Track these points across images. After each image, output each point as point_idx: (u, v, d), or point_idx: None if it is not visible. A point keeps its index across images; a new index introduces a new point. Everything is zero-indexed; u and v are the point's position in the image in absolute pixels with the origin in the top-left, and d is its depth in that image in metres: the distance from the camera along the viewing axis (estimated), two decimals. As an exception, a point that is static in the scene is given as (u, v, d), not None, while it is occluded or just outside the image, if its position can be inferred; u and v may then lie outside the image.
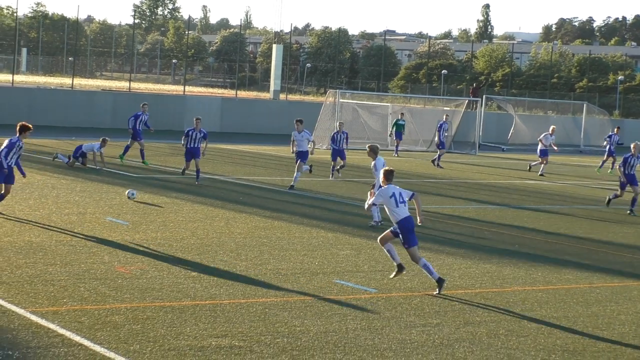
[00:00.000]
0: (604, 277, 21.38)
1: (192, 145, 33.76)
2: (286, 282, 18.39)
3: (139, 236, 22.41)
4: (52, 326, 14.14)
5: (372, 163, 25.14)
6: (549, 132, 50.63)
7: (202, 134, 33.92)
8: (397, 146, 56.98)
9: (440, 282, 18.09)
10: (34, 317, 14.56)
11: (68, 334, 13.82)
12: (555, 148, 50.94)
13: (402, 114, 60.19)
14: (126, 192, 24.96)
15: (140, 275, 18.08)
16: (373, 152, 24.81)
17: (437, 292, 18.02)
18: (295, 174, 33.52)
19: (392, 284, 18.91)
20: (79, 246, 20.56)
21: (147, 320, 14.83)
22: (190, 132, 33.94)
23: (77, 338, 13.63)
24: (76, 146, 37.09)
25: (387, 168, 19.84)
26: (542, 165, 48.80)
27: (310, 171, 36.44)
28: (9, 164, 23.02)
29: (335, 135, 40.63)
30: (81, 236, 21.67)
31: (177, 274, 18.47)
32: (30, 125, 23.70)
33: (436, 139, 52.25)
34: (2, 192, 23.21)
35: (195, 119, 34.59)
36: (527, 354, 14.48)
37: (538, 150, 49.46)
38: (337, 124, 44.13)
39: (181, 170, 35.15)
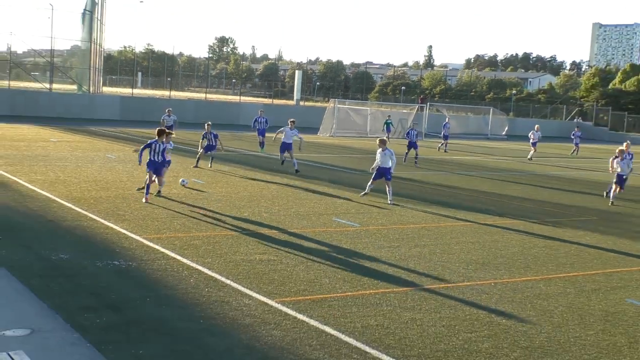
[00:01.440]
0: (501, 218, 21.34)
1: (210, 143, 28.00)
2: (303, 219, 18.40)
3: (211, 190, 22.42)
4: (156, 247, 14.19)
5: (381, 151, 22.68)
6: (535, 129, 47.77)
7: (212, 135, 27.93)
8: (387, 137, 56.11)
9: None
10: (145, 241, 14.61)
11: (166, 251, 13.87)
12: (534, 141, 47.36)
13: (389, 115, 59.80)
14: (180, 181, 22.18)
15: (211, 215, 18.12)
16: (383, 143, 23.01)
17: None
18: (293, 161, 29.21)
19: (370, 221, 18.90)
20: (174, 197, 20.57)
21: (216, 244, 14.86)
22: (205, 135, 28.00)
23: (172, 254, 13.68)
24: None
25: (160, 128, 20.38)
26: (532, 152, 46.29)
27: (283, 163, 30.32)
28: (153, 159, 19.75)
29: (410, 131, 37.60)
30: (176, 190, 21.68)
31: (235, 214, 18.48)
32: (166, 130, 20.62)
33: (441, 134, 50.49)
34: (156, 181, 20.21)
35: (207, 124, 28.33)
36: (454, 264, 14.50)
37: (530, 143, 46.65)
38: (412, 124, 39.89)
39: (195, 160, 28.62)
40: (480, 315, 11.24)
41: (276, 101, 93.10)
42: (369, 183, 23.30)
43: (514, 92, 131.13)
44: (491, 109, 77.93)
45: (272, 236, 16.05)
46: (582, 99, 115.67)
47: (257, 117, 38.53)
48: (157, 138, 20.17)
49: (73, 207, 17.87)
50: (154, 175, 20.12)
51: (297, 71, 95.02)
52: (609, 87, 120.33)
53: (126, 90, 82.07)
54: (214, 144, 28.26)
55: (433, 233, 17.93)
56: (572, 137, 54.97)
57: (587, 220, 22.09)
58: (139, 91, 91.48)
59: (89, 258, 13.00)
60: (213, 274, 12.44)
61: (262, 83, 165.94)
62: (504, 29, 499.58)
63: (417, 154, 36.84)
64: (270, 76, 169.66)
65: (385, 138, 23.79)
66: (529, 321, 11.16)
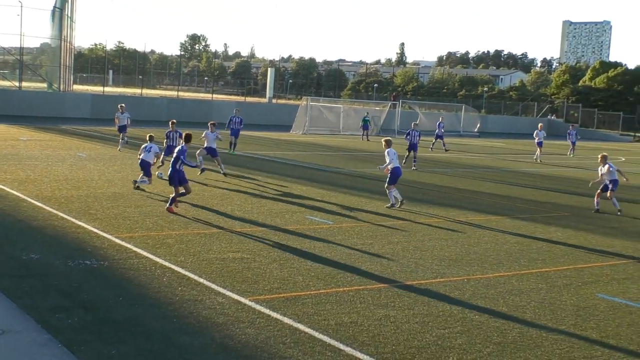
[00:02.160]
0: (474, 215, 21.48)
1: (172, 144, 24.58)
2: (276, 217, 18.37)
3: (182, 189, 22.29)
4: (128, 246, 14.10)
5: (386, 151, 21.33)
6: (538, 129, 46.01)
7: (177, 134, 24.78)
8: (364, 134, 55.32)
9: None
10: (117, 240, 14.51)
11: (139, 250, 13.79)
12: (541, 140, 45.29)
13: (367, 113, 59.84)
14: (157, 174, 20.60)
15: (185, 213, 18.04)
16: (387, 144, 21.36)
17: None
18: (220, 166, 26.27)
19: (343, 218, 18.92)
20: (146, 195, 20.47)
21: (189, 242, 14.80)
22: (169, 134, 25.21)
23: (145, 253, 13.60)
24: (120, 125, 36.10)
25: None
26: (537, 152, 44.69)
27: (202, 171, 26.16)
28: (178, 168, 18.25)
29: (410, 132, 34.59)
30: (148, 190, 21.56)
31: (208, 212, 18.42)
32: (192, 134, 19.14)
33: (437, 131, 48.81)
34: (184, 191, 18.52)
35: (171, 122, 25.64)
36: (427, 261, 14.55)
37: (535, 143, 45.06)
38: (412, 124, 35.64)
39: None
40: (454, 312, 11.30)
41: (249, 99, 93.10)
42: (391, 191, 21.41)
43: (485, 89, 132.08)
44: (463, 106, 78.47)
45: (245, 234, 16.00)
46: (552, 96, 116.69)
47: (232, 116, 36.63)
48: (184, 144, 18.73)
49: (43, 206, 17.71)
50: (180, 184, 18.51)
51: (269, 69, 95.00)
52: (579, 84, 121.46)
53: (97, 89, 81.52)
54: (175, 144, 24.32)
55: (406, 230, 17.97)
56: (568, 135, 53.30)
57: (560, 216, 22.28)
58: (110, 89, 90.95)
59: (60, 258, 12.88)
60: (186, 273, 12.38)
61: (234, 81, 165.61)
62: (476, 27, 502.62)
63: (415, 156, 34.62)
64: (242, 74, 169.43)
65: (389, 139, 21.88)
66: (501, 317, 11.23)
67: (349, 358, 9.10)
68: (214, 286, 11.70)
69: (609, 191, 23.86)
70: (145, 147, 21.52)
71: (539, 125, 47.27)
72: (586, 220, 21.76)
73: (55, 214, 16.87)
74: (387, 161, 21.42)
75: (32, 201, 18.30)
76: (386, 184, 21.64)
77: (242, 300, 11.07)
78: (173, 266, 12.78)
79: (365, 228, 17.80)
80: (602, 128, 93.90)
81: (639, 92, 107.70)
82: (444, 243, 16.62)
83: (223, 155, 33.28)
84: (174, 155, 18.63)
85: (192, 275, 12.24)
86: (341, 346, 9.44)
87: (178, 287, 11.55)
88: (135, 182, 21.70)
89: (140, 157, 21.40)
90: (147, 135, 21.78)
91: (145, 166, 21.38)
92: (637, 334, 10.92)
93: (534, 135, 46.18)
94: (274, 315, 10.45)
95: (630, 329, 11.19)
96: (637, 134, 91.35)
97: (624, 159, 51.82)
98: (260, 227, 16.97)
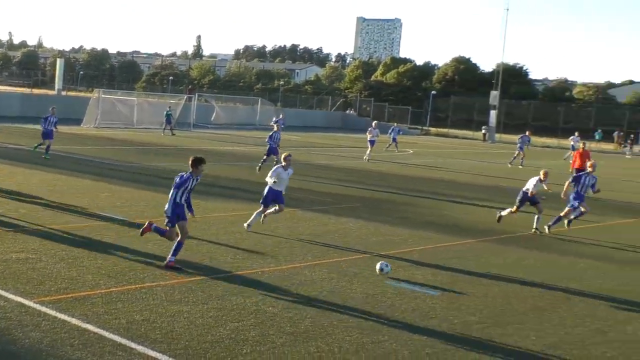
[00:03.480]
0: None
1: None
2: (65, 214, 17.67)
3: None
4: None
5: (284, 170, 17.91)
6: (373, 126, 43.61)
7: None
8: (166, 128, 54.03)
9: None
10: None
11: None
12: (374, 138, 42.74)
13: (169, 107, 58.56)
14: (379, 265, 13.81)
15: (-37, 213, 17.00)
16: (289, 160, 18.05)
17: None
18: None
19: (136, 214, 18.53)
20: None
21: (-33, 243, 13.97)
22: None
23: None
24: None
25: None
26: (368, 150, 42.28)
27: None
28: (178, 201, 13.77)
29: (273, 134, 32.74)
30: None
31: (-11, 211, 17.45)
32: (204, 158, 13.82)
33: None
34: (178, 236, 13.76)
35: None
36: (222, 255, 14.59)
37: (368, 140, 42.34)
38: (395, 124, 30.62)
39: None
40: (248, 305, 11.42)
41: (36, 91, 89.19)
42: (260, 211, 17.92)
43: (281, 83, 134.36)
44: (259, 100, 79.41)
45: (30, 233, 15.29)
46: (346, 90, 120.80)
47: (47, 115, 32.04)
48: (191, 170, 13.70)
49: None
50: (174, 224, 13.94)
51: (58, 59, 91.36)
52: (371, 79, 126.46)
53: None
54: None
55: (200, 224, 17.83)
56: (390, 133, 52.71)
57: (351, 207, 23.08)
58: None
59: None
60: (-37, 276, 11.68)
61: (20, 71, 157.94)
62: (273, 21, 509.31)
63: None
64: (29, 64, 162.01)
65: (290, 154, 18.54)
66: (294, 307, 11.49)
67: (140, 357, 8.96)
68: (-6, 289, 11.12)
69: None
70: None
71: (373, 123, 45.70)
72: (376, 211, 22.70)
73: None
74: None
75: None
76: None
77: (26, 302, 10.60)
78: (-51, 269, 12.00)
79: (157, 223, 17.53)
80: (393, 121, 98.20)
81: (426, 87, 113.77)
82: (238, 236, 16.73)
83: (5, 149, 31.56)
84: (183, 186, 13.70)
85: (-30, 279, 11.56)
86: (133, 345, 9.28)
87: (-46, 291, 10.86)
88: None
89: None
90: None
91: None
92: (421, 318, 11.57)
93: (367, 132, 43.50)
94: (61, 316, 10.09)
95: (415, 312, 11.82)
96: (424, 128, 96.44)
97: (412, 151, 54.49)
98: (47, 225, 16.26)
